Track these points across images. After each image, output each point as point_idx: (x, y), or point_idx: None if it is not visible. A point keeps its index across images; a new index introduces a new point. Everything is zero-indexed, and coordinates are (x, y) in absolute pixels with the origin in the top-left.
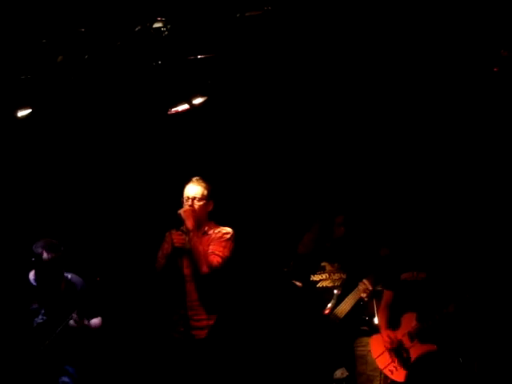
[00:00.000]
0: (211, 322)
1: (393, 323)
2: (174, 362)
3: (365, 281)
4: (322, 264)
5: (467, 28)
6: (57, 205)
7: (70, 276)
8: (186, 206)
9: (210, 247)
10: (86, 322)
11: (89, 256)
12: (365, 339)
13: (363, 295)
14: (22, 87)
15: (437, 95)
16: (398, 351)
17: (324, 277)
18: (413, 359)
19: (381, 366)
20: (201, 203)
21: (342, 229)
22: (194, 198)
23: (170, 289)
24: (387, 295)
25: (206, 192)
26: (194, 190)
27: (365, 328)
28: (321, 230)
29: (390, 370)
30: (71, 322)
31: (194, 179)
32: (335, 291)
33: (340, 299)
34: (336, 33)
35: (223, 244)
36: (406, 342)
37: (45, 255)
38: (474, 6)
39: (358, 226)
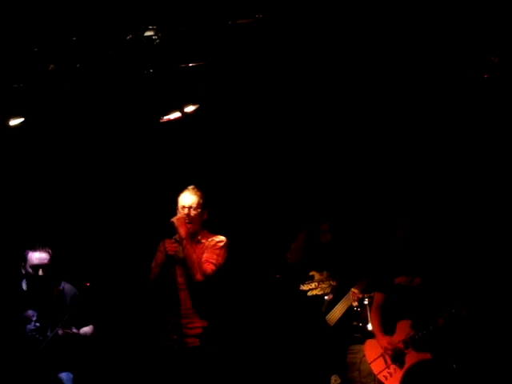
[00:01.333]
0: None
1: (388, 329)
2: (167, 369)
3: (354, 289)
4: (311, 273)
5: (458, 34)
6: (49, 213)
7: (62, 284)
8: (181, 214)
9: (204, 255)
10: (74, 331)
11: (82, 264)
12: (357, 346)
13: (354, 303)
14: (14, 96)
15: (427, 102)
16: (393, 357)
17: (313, 286)
18: (407, 367)
19: (375, 371)
20: (196, 212)
21: (327, 236)
22: (190, 207)
23: (163, 297)
24: (378, 297)
25: (201, 201)
26: (189, 199)
27: (357, 335)
28: (307, 238)
29: (384, 376)
30: (60, 331)
31: (190, 188)
32: (326, 297)
33: (331, 306)
34: (328, 40)
35: (217, 252)
36: (401, 349)
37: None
38: (464, 12)
39: (343, 232)
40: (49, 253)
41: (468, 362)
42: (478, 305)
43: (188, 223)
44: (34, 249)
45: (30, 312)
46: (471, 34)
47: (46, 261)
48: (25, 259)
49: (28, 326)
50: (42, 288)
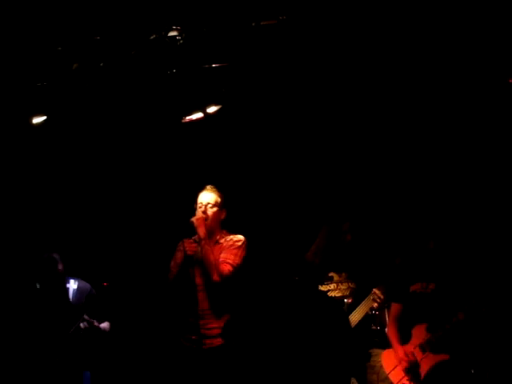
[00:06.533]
0: None
1: (404, 336)
2: (183, 369)
3: (376, 290)
4: (330, 274)
5: (483, 38)
6: (70, 211)
7: (77, 282)
8: (199, 212)
9: (222, 255)
10: (96, 324)
11: (101, 264)
12: (376, 350)
13: (375, 305)
14: (38, 94)
15: (449, 105)
16: (410, 365)
17: (332, 287)
18: (426, 371)
19: (394, 381)
20: (214, 210)
21: (348, 236)
22: (207, 204)
23: (181, 297)
24: (395, 308)
25: (219, 200)
26: (207, 196)
27: (376, 339)
28: (328, 238)
29: None
30: (82, 324)
31: (209, 187)
32: (346, 300)
33: (351, 308)
34: (351, 42)
35: (234, 252)
36: (418, 354)
37: (60, 267)
38: (489, 16)
39: (364, 232)
40: (57, 259)
41: (485, 360)
42: (492, 304)
43: (213, 225)
44: (43, 258)
45: (45, 312)
46: (498, 38)
47: (55, 267)
48: (35, 267)
49: (44, 325)
50: (55, 289)
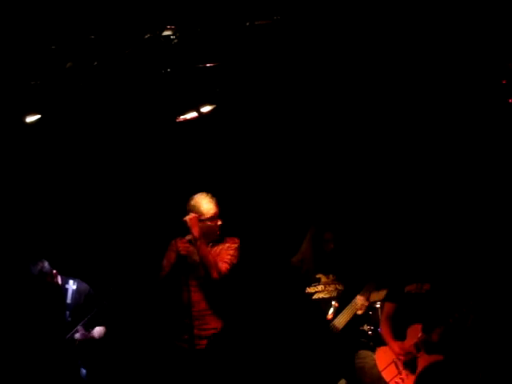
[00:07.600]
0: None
1: (398, 335)
2: (176, 369)
3: (359, 297)
4: (317, 276)
5: (476, 40)
6: (62, 211)
7: (76, 283)
8: (194, 215)
9: (218, 257)
10: (91, 335)
11: (93, 263)
12: (364, 351)
13: (359, 312)
14: (31, 93)
15: (443, 108)
16: (405, 362)
17: (319, 288)
18: (419, 370)
19: (387, 379)
20: (220, 220)
21: (330, 245)
22: (216, 215)
23: (174, 298)
24: (388, 307)
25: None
26: (213, 207)
27: (364, 340)
28: (312, 246)
29: (396, 382)
30: (77, 335)
31: (209, 196)
32: (333, 302)
33: (338, 310)
34: (345, 43)
35: (231, 252)
36: (413, 353)
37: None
38: (483, 18)
39: (346, 242)
40: (47, 262)
41: (479, 362)
42: (486, 305)
43: (217, 235)
44: (35, 263)
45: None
46: (491, 40)
47: (48, 270)
48: (29, 272)
49: (44, 326)
50: (51, 292)
